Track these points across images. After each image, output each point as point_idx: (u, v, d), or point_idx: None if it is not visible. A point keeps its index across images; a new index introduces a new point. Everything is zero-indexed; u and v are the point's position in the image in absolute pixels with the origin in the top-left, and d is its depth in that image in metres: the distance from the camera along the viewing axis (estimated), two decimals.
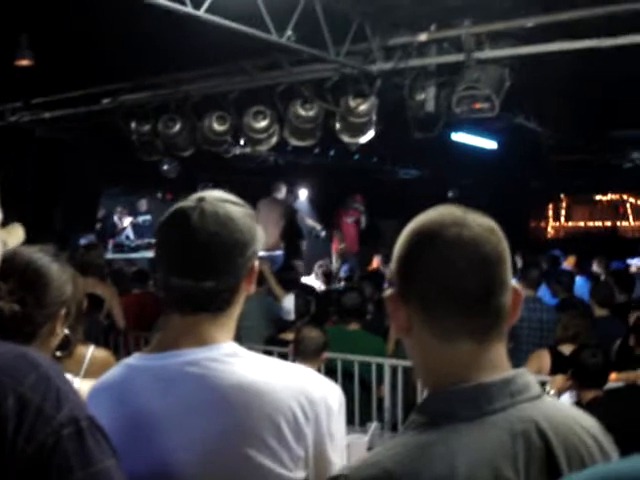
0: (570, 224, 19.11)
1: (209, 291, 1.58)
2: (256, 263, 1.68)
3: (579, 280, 8.61)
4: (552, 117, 9.22)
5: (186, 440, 1.52)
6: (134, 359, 1.66)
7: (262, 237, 1.72)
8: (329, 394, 1.64)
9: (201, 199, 1.62)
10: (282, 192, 11.82)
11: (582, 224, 18.92)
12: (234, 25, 5.12)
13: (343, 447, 1.68)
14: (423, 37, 6.03)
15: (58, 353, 2.08)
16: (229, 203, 1.64)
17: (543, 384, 4.52)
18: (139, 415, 1.56)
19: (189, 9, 4.79)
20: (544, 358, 5.16)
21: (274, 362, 1.64)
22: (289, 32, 5.55)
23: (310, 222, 13.27)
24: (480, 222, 1.25)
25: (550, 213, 19.36)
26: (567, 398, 4.32)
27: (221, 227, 1.58)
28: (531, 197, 17.27)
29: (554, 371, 4.84)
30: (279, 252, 11.49)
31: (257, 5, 5.18)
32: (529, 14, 5.59)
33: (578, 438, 1.22)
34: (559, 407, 1.29)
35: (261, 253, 6.14)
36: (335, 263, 12.55)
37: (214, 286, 1.58)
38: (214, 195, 1.66)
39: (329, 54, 6.09)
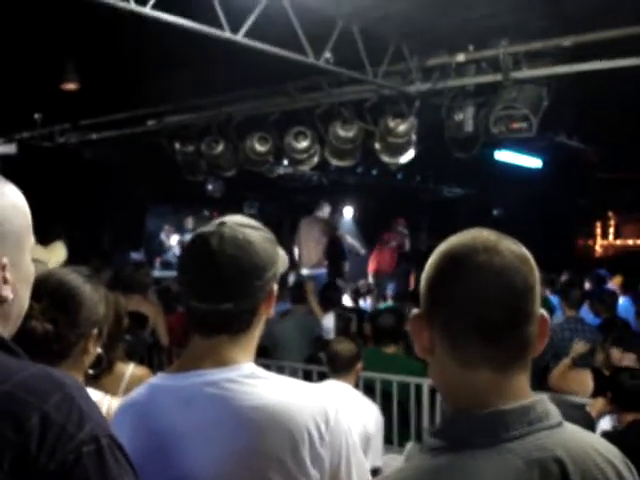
0: (619, 242, 18.72)
1: (227, 313, 1.62)
2: (275, 286, 1.72)
3: (624, 301, 8.46)
4: (594, 134, 9.10)
5: (204, 459, 1.55)
6: (157, 378, 1.71)
7: (285, 260, 1.76)
8: (349, 416, 1.66)
9: (221, 224, 1.68)
10: (325, 211, 11.84)
11: (631, 242, 18.52)
12: (271, 48, 5.20)
13: (365, 469, 1.70)
14: (461, 57, 6.03)
15: (91, 371, 2.13)
16: (248, 228, 1.68)
17: (583, 406, 4.48)
18: (159, 433, 1.60)
19: (227, 34, 4.88)
20: (586, 379, 5.06)
21: (292, 383, 1.67)
22: (327, 54, 5.61)
23: (350, 240, 13.27)
24: (513, 250, 1.23)
25: (598, 231, 19.00)
26: (607, 421, 4.27)
27: (240, 251, 1.62)
28: (578, 215, 17.00)
29: (597, 393, 4.75)
30: (322, 270, 11.49)
31: (294, 28, 5.26)
32: (566, 33, 5.57)
33: (596, 466, 1.20)
34: (579, 435, 1.25)
35: (304, 271, 6.17)
36: (371, 283, 12.49)
37: (232, 308, 1.62)
38: (234, 220, 1.70)
39: (367, 75, 6.13)
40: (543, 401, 1.23)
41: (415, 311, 1.30)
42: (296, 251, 11.33)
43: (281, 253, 1.75)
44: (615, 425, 4.14)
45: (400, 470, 1.24)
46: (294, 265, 11.30)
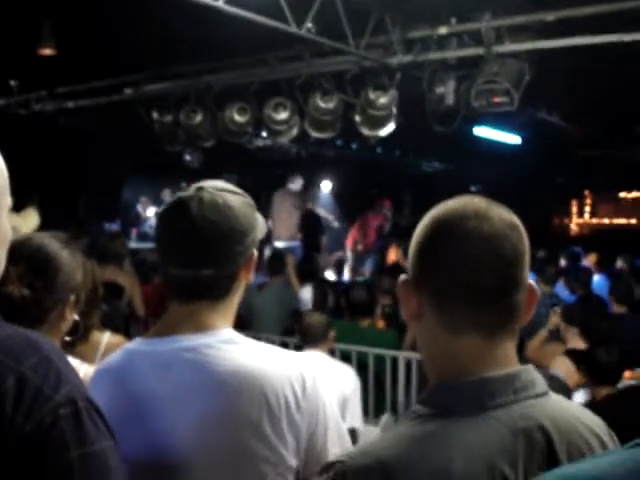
0: (594, 221, 18.90)
1: (208, 279, 1.60)
2: (255, 252, 1.70)
3: (599, 278, 8.53)
4: (575, 112, 9.13)
5: (181, 422, 1.54)
6: (134, 344, 1.69)
7: (263, 226, 1.74)
8: (327, 382, 1.66)
9: (200, 188, 1.65)
10: (297, 184, 11.81)
11: (607, 221, 18.69)
12: (253, 16, 5.14)
13: (343, 435, 1.70)
14: (443, 30, 6.00)
15: (67, 338, 2.11)
16: (228, 192, 1.66)
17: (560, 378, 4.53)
18: (136, 398, 1.59)
19: (209, 0, 4.81)
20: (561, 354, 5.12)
21: (270, 349, 1.66)
22: (309, 24, 5.55)
23: (323, 213, 13.25)
24: (503, 217, 1.23)
25: (574, 209, 19.16)
26: (582, 395, 4.32)
27: (220, 216, 1.60)
28: (555, 193, 17.11)
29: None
30: (295, 243, 11.49)
31: None
32: (549, 8, 5.55)
33: (581, 437, 1.21)
34: (564, 405, 1.26)
35: (278, 244, 6.21)
36: (349, 257, 12.49)
37: (213, 274, 1.60)
38: (213, 184, 1.68)
39: (349, 46, 6.09)
40: (529, 370, 1.23)
41: (404, 276, 1.29)
42: (270, 224, 11.31)
43: (260, 219, 1.73)
44: (588, 399, 4.19)
45: (385, 437, 1.24)
46: (269, 237, 11.30)
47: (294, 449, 1.56)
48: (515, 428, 1.14)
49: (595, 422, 1.27)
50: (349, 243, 12.97)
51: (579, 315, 5.33)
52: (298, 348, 5.70)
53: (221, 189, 1.66)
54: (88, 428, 1.15)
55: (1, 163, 1.28)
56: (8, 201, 1.30)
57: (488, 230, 1.20)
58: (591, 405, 3.88)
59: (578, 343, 5.16)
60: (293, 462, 1.56)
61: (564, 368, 4.94)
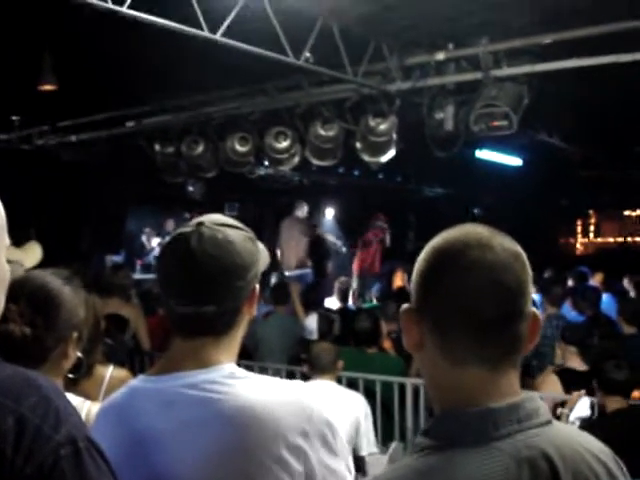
0: (599, 240, 18.89)
1: (210, 316, 1.59)
2: (257, 286, 1.68)
3: (606, 297, 8.49)
4: (575, 133, 9.16)
5: (184, 459, 1.53)
6: (138, 381, 1.67)
7: (266, 258, 1.73)
8: (336, 410, 1.64)
9: (200, 224, 1.64)
10: (303, 210, 11.82)
11: (612, 240, 18.68)
12: (250, 48, 5.18)
13: (349, 461, 1.68)
14: (441, 56, 6.04)
15: (70, 375, 2.10)
16: (228, 227, 1.65)
17: (563, 403, 4.51)
18: (140, 436, 1.57)
19: (206, 33, 4.85)
20: (553, 380, 5.12)
21: (273, 381, 1.64)
22: (307, 54, 5.59)
23: (331, 238, 13.25)
24: (506, 246, 1.21)
25: (579, 229, 19.16)
26: (585, 403, 4.29)
27: (220, 251, 1.59)
28: (559, 213, 17.12)
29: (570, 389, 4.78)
30: (307, 270, 11.48)
31: (274, 27, 5.24)
32: (546, 31, 5.58)
33: (586, 465, 1.19)
34: (568, 433, 1.24)
35: (287, 273, 6.21)
36: (354, 283, 12.44)
37: (215, 310, 1.59)
38: (213, 219, 1.67)
39: (347, 75, 6.12)
40: (533, 399, 1.21)
41: (406, 305, 1.27)
42: (278, 253, 11.30)
43: (262, 250, 1.72)
44: (596, 411, 4.17)
45: (390, 470, 1.23)
46: (276, 267, 11.28)
47: (303, 476, 1.54)
48: (519, 458, 1.13)
49: (600, 449, 1.25)
50: (355, 268, 12.94)
51: (578, 335, 5.32)
52: (305, 377, 5.68)
53: (221, 224, 1.65)
54: (89, 468, 1.14)
55: None
56: (6, 241, 1.30)
57: (491, 260, 1.18)
58: (600, 420, 3.88)
59: (576, 362, 5.16)
60: None
61: (551, 387, 4.95)
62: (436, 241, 1.26)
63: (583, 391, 4.34)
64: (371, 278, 12.58)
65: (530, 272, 1.23)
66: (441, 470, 1.13)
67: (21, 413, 1.11)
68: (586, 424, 3.80)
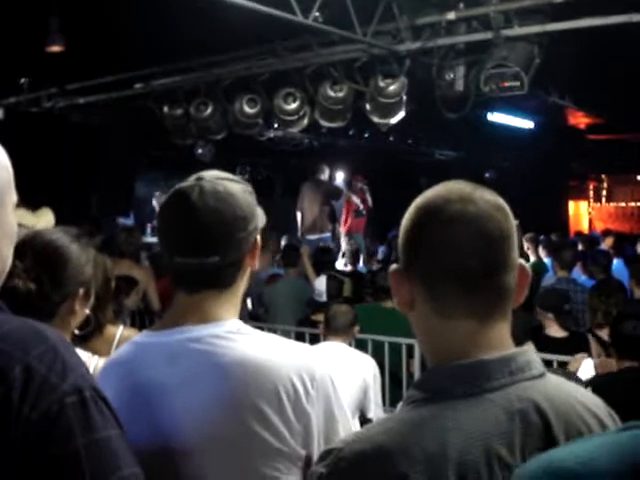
0: (611, 205, 18.80)
1: (213, 267, 1.60)
2: (258, 238, 1.70)
3: (617, 262, 8.45)
4: (587, 96, 9.06)
5: (186, 410, 1.55)
6: (142, 336, 1.70)
7: (262, 215, 1.74)
8: (332, 373, 1.65)
9: (200, 178, 1.65)
10: (325, 173, 11.73)
11: (624, 204, 18.59)
12: (258, 6, 5.13)
13: (350, 429, 1.68)
14: (451, 15, 5.96)
15: (77, 332, 2.11)
16: (227, 180, 1.66)
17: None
18: (143, 388, 1.59)
19: None
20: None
21: (277, 340, 1.66)
22: (315, 13, 5.54)
23: (355, 200, 13.14)
24: (487, 199, 1.22)
25: (591, 194, 19.06)
26: (589, 365, 4.30)
27: (221, 203, 1.60)
28: (571, 177, 17.03)
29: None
30: (327, 234, 11.46)
31: None
32: None
33: (580, 418, 1.20)
34: (562, 386, 1.25)
35: (311, 237, 6.25)
36: (344, 242, 12.31)
37: (218, 262, 1.60)
38: (212, 174, 1.68)
39: (357, 35, 6.07)
40: (525, 352, 1.22)
41: (394, 266, 1.29)
42: (299, 216, 11.24)
43: (259, 208, 1.73)
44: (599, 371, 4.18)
45: (382, 422, 1.25)
46: (287, 229, 11.27)
47: (303, 438, 1.56)
48: (511, 410, 1.14)
49: (594, 402, 1.26)
50: (344, 229, 12.80)
51: (553, 300, 5.33)
52: (314, 338, 5.72)
53: (221, 177, 1.66)
54: (94, 416, 1.16)
55: (5, 159, 1.28)
56: (14, 198, 1.31)
57: (473, 212, 1.19)
58: (610, 375, 3.89)
59: (554, 329, 5.18)
60: (302, 451, 1.56)
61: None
62: (419, 199, 1.27)
63: (585, 354, 4.35)
64: (358, 237, 12.47)
65: (513, 222, 1.23)
66: (432, 420, 1.14)
67: (28, 362, 1.13)
68: (591, 381, 3.81)
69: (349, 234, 12.27)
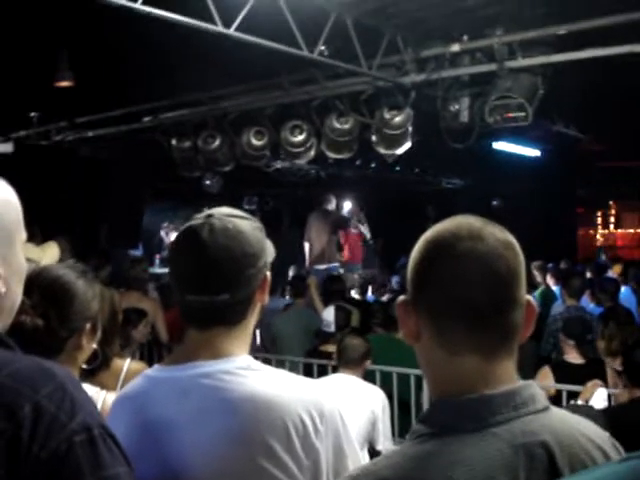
0: (620, 231, 18.73)
1: (224, 304, 1.62)
2: (268, 274, 1.71)
3: (625, 290, 8.42)
4: (592, 124, 9.08)
5: (196, 446, 1.56)
6: (153, 371, 1.71)
7: (272, 249, 1.76)
8: (341, 407, 1.65)
9: (209, 215, 1.67)
10: (332, 203, 11.75)
11: (632, 231, 18.52)
12: (264, 42, 5.20)
13: (360, 460, 1.69)
14: (455, 48, 6.02)
15: (85, 366, 2.13)
16: (237, 218, 1.68)
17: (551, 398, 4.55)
18: (154, 424, 1.60)
19: (220, 28, 4.87)
20: (546, 373, 5.13)
21: (287, 376, 1.67)
22: (321, 47, 5.60)
23: (363, 229, 13.14)
24: (497, 236, 1.22)
25: (599, 220, 19.00)
26: (602, 395, 4.28)
27: (231, 241, 1.62)
28: (578, 205, 16.99)
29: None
30: (336, 264, 11.46)
31: (287, 21, 5.25)
32: (561, 21, 5.54)
33: (584, 450, 1.19)
34: (566, 419, 1.24)
35: (320, 267, 6.23)
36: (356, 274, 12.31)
37: (228, 299, 1.61)
38: (222, 211, 1.70)
39: (362, 67, 6.12)
40: (529, 386, 1.22)
41: (401, 297, 1.29)
42: (306, 247, 11.24)
43: (268, 242, 1.75)
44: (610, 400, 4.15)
45: (387, 457, 1.23)
46: (295, 260, 11.27)
47: (312, 474, 1.56)
48: (515, 444, 1.14)
49: (598, 435, 1.26)
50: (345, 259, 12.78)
51: (577, 328, 5.34)
52: (322, 369, 5.70)
53: (230, 215, 1.68)
54: (103, 454, 1.16)
55: (14, 199, 1.31)
56: (23, 236, 1.33)
57: (482, 249, 1.20)
58: (621, 406, 3.86)
59: (573, 356, 5.16)
60: None
61: (541, 379, 4.96)
62: (429, 233, 1.28)
63: (598, 381, 4.33)
64: (356, 268, 12.46)
65: (523, 261, 1.24)
66: (437, 455, 1.14)
67: (37, 401, 1.14)
68: (602, 412, 3.79)
69: (352, 264, 12.29)
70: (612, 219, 18.92)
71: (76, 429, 1.14)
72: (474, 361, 1.20)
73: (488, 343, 1.20)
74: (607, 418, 3.40)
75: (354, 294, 9.79)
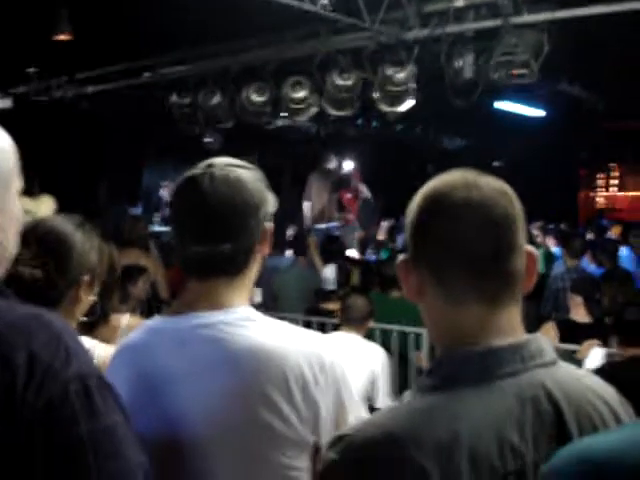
0: (622, 194, 18.66)
1: (226, 254, 1.61)
2: (269, 225, 1.70)
3: (625, 251, 8.43)
4: (597, 82, 8.99)
5: (195, 397, 1.55)
6: (154, 321, 1.71)
7: (273, 201, 1.74)
8: (347, 365, 1.66)
9: (210, 165, 1.65)
10: (332, 162, 11.74)
11: (635, 194, 18.44)
12: None
13: (361, 417, 1.69)
14: (460, 3, 5.94)
15: (83, 318, 2.12)
16: (238, 167, 1.66)
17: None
18: (153, 374, 1.60)
19: None
20: (549, 329, 5.15)
21: (287, 327, 1.66)
22: (323, 1, 5.53)
23: (363, 188, 13.13)
24: (492, 185, 1.22)
25: (600, 183, 18.91)
26: (598, 354, 4.30)
27: (232, 190, 1.60)
28: (581, 166, 16.93)
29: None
30: (335, 223, 11.47)
31: None
32: None
33: (592, 406, 1.19)
34: (574, 374, 1.24)
35: (320, 226, 6.26)
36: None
37: (229, 249, 1.60)
38: (223, 160, 1.68)
39: (365, 23, 6.04)
40: (537, 339, 1.21)
41: (401, 257, 1.29)
42: (306, 206, 11.23)
43: (270, 194, 1.73)
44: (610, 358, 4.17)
45: (393, 409, 1.23)
46: (294, 218, 11.27)
47: (312, 425, 1.56)
48: (523, 397, 1.13)
49: (606, 390, 1.25)
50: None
51: (586, 286, 5.38)
52: (321, 327, 5.73)
53: (231, 164, 1.66)
54: (98, 403, 1.16)
55: (10, 146, 1.28)
56: (19, 183, 1.31)
57: (478, 197, 1.19)
58: (613, 364, 3.88)
59: (580, 314, 5.17)
60: (310, 438, 1.56)
61: (547, 336, 4.98)
62: (424, 188, 1.28)
63: (595, 341, 4.34)
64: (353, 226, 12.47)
65: (519, 207, 1.23)
66: (443, 408, 1.14)
67: (32, 349, 1.13)
68: (597, 371, 3.80)
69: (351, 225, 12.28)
70: (614, 181, 18.81)
71: (71, 378, 1.14)
72: (478, 309, 1.20)
73: (491, 290, 1.20)
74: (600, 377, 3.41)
75: (353, 253, 9.77)
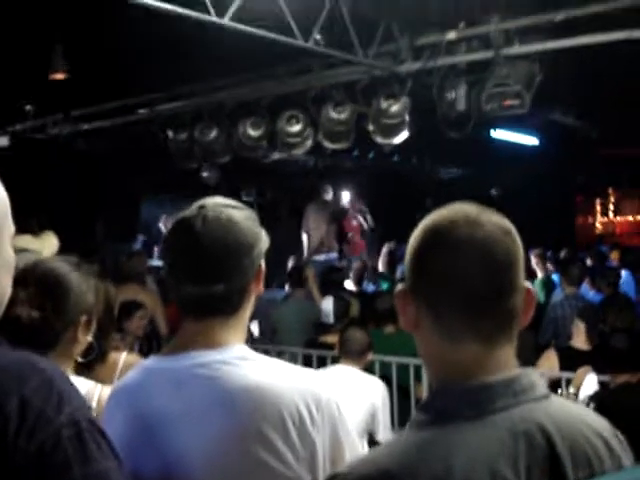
0: (619, 219, 18.68)
1: (219, 295, 1.61)
2: (262, 264, 1.71)
3: (625, 275, 8.43)
4: (590, 110, 9.06)
5: (192, 439, 1.54)
6: (149, 361, 1.71)
7: (266, 239, 1.75)
8: (339, 398, 1.65)
9: (202, 206, 1.66)
10: (329, 194, 11.76)
11: (631, 219, 18.47)
12: (258, 31, 5.18)
13: (358, 449, 1.69)
14: (452, 35, 6.00)
15: (81, 359, 2.12)
16: (230, 207, 1.67)
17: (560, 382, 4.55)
18: (149, 415, 1.60)
19: (213, 18, 4.86)
20: (550, 356, 5.14)
21: (282, 365, 1.66)
22: (316, 36, 5.58)
23: (364, 220, 13.13)
24: (495, 222, 1.22)
25: (598, 208, 18.94)
26: (593, 381, 4.28)
27: (224, 231, 1.61)
28: (577, 192, 16.97)
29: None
30: (334, 255, 11.46)
31: (282, 10, 5.22)
32: (557, 8, 5.51)
33: (585, 439, 1.19)
34: (566, 407, 1.25)
35: (319, 257, 6.24)
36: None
37: (223, 289, 1.61)
38: (215, 201, 1.69)
39: (358, 56, 6.10)
40: (529, 373, 1.21)
41: (400, 286, 1.29)
42: (305, 238, 11.23)
43: (263, 232, 1.74)
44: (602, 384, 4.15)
45: (387, 445, 1.23)
46: (293, 250, 11.25)
47: (309, 463, 1.55)
48: (515, 431, 1.13)
49: (600, 423, 1.25)
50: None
51: (591, 313, 5.39)
52: (321, 360, 5.70)
53: (223, 205, 1.68)
54: (91, 448, 1.15)
55: (2, 192, 1.29)
56: (11, 228, 1.32)
57: (480, 235, 1.19)
58: (606, 392, 3.87)
59: (581, 341, 5.18)
60: (308, 476, 1.56)
61: (546, 363, 4.97)
62: (426, 221, 1.27)
63: (589, 367, 4.33)
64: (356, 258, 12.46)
65: (521, 246, 1.23)
66: (437, 443, 1.13)
67: (24, 395, 1.13)
68: (590, 398, 3.79)
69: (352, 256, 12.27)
70: (611, 206, 18.85)
71: (64, 423, 1.14)
72: (473, 348, 1.20)
73: (487, 330, 1.20)
74: (593, 404, 3.42)
75: (349, 285, 9.73)
